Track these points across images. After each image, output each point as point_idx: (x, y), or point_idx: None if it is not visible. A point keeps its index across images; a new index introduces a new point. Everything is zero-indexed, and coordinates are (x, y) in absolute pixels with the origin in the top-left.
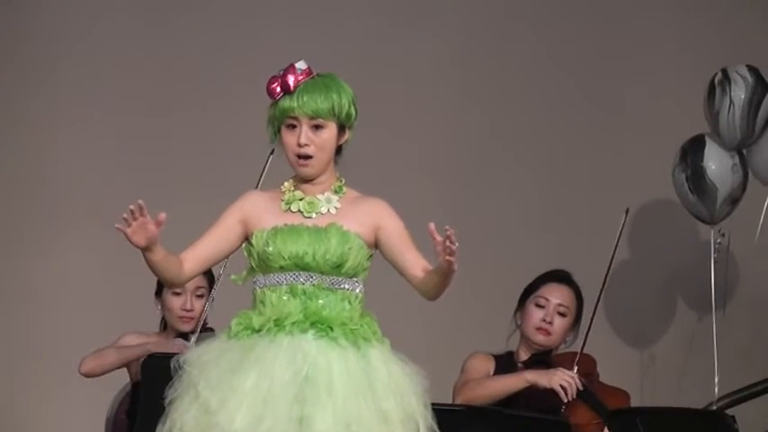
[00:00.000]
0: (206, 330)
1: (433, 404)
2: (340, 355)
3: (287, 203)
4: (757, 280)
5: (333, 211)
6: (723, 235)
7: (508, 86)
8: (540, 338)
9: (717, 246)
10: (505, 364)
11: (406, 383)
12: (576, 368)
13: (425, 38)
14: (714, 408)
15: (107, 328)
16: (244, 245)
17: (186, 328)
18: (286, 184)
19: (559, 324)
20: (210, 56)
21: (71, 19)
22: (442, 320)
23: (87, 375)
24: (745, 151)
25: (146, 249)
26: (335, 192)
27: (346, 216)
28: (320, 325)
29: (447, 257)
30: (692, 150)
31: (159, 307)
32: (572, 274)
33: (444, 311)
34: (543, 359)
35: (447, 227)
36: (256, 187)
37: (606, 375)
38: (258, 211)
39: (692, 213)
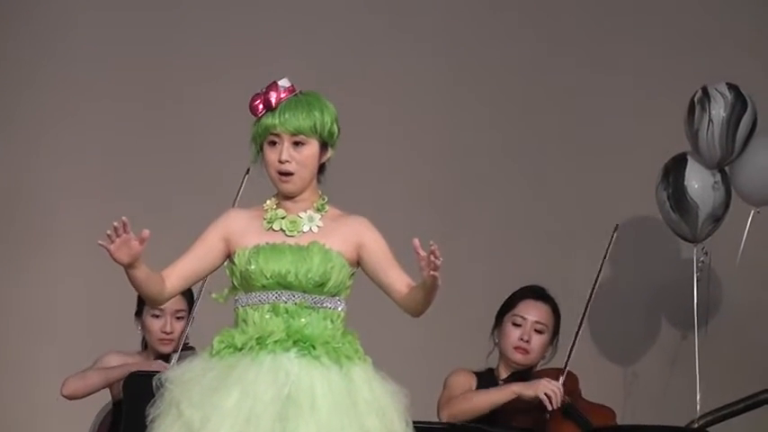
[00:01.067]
0: (187, 349)
1: (416, 422)
2: (322, 374)
3: (269, 222)
4: (740, 298)
5: (315, 229)
6: (706, 253)
7: (495, 105)
8: (518, 357)
9: (699, 264)
10: (487, 381)
11: (388, 401)
12: (561, 380)
13: (412, 56)
14: (696, 425)
15: (89, 348)
16: (226, 263)
17: (166, 350)
18: (268, 202)
19: (537, 342)
20: (199, 67)
21: (53, 20)
22: (426, 337)
23: (69, 397)
24: (727, 169)
25: (129, 266)
26: (318, 210)
27: (328, 234)
28: (303, 343)
29: (431, 273)
30: (674, 169)
31: (140, 327)
32: (547, 289)
33: (428, 328)
34: (523, 377)
35: (431, 242)
36: (233, 206)
37: (590, 392)
38: (240, 229)
39: (675, 232)
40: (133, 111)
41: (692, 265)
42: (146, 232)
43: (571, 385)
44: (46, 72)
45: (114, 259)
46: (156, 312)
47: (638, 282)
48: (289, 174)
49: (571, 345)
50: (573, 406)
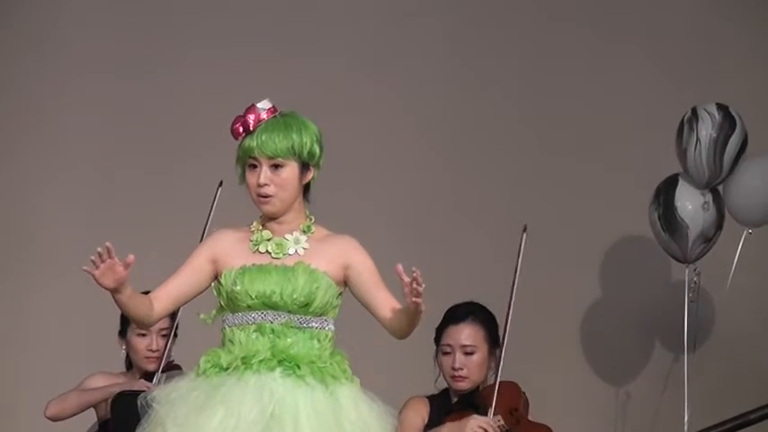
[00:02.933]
0: (173, 368)
1: None
2: (306, 393)
3: (255, 244)
4: (732, 319)
5: (301, 251)
6: (699, 274)
7: (483, 124)
8: (458, 385)
9: (692, 285)
10: (441, 404)
11: (374, 422)
12: (492, 414)
13: (395, 76)
14: None
15: (73, 369)
16: (213, 284)
17: (152, 367)
18: (254, 223)
19: (472, 364)
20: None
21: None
22: (415, 357)
23: (52, 419)
24: (720, 189)
25: (114, 291)
26: (304, 231)
27: (314, 255)
28: (288, 363)
29: (414, 299)
30: (665, 189)
31: (123, 347)
32: (470, 302)
33: (417, 348)
34: (470, 399)
35: (414, 268)
36: (207, 219)
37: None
38: (227, 250)
39: (667, 252)
40: (119, 126)
41: (683, 287)
42: (130, 257)
43: (512, 401)
44: (28, 82)
45: (100, 284)
46: (142, 331)
47: (632, 302)
48: (267, 196)
49: (499, 359)
50: None
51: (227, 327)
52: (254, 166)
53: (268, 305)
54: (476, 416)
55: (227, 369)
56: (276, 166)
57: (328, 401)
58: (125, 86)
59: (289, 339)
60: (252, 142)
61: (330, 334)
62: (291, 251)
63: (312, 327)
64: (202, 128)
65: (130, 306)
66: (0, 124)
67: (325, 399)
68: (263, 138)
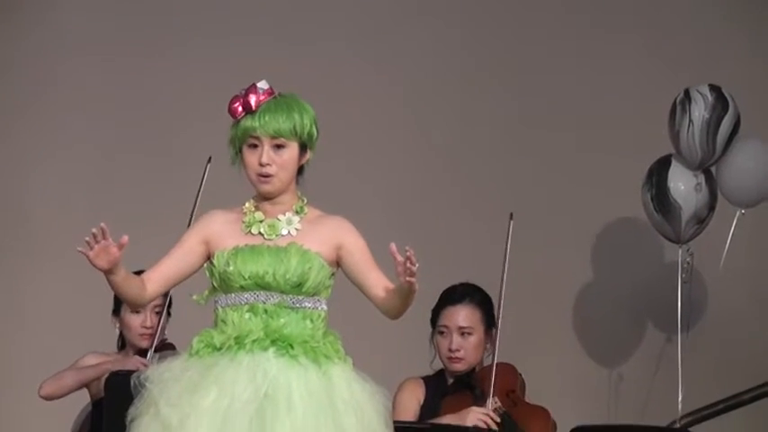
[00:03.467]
0: (166, 347)
1: (396, 422)
2: (299, 373)
3: (248, 225)
4: (725, 300)
5: (293, 232)
6: (692, 255)
7: (475, 109)
8: (454, 367)
9: (685, 266)
10: (436, 385)
11: (367, 401)
12: (492, 400)
13: (391, 64)
14: (677, 425)
15: (68, 349)
16: (206, 265)
17: (146, 344)
18: (247, 204)
19: (468, 345)
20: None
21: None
22: (407, 338)
23: (47, 398)
24: (713, 170)
25: (108, 272)
26: (297, 212)
27: (307, 236)
28: (281, 343)
29: (408, 278)
30: (658, 170)
31: (117, 325)
32: (468, 283)
33: (410, 329)
34: (466, 381)
35: (407, 247)
36: (196, 196)
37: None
38: (220, 231)
39: (660, 233)
40: (111, 115)
41: (677, 268)
42: (125, 238)
43: (509, 383)
44: (24, 69)
45: (94, 265)
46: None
47: (625, 284)
48: (268, 176)
49: (495, 340)
50: (508, 415)
51: (219, 307)
52: (255, 146)
53: (261, 286)
54: (475, 407)
55: (219, 349)
56: (278, 147)
57: (321, 381)
58: (119, 67)
59: (282, 319)
60: (254, 122)
61: (323, 314)
62: (284, 232)
63: (305, 307)
64: (193, 104)
65: (124, 287)
66: None
67: (318, 378)
68: (267, 118)
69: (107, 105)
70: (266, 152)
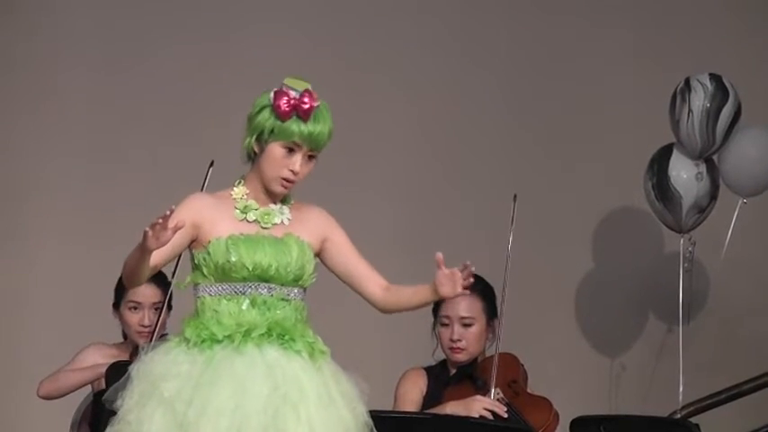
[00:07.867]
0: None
1: (391, 412)
2: (303, 367)
3: (242, 212)
4: (726, 289)
5: (286, 221)
6: (694, 244)
7: (477, 96)
8: (456, 357)
9: (687, 255)
10: (439, 375)
11: (354, 392)
12: (494, 391)
13: (391, 52)
14: (678, 415)
15: (68, 342)
16: (198, 252)
17: (144, 342)
18: (236, 189)
19: (470, 335)
20: (184, 63)
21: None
22: (411, 329)
23: (45, 398)
24: (715, 159)
25: (149, 251)
26: (284, 202)
27: (298, 226)
28: (283, 337)
29: (460, 291)
30: (660, 159)
31: (118, 319)
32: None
33: (413, 321)
34: (469, 371)
35: (468, 262)
36: None
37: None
38: (211, 216)
39: (661, 221)
40: (108, 102)
41: (678, 258)
42: (182, 221)
43: (512, 373)
44: (19, 59)
45: (145, 244)
46: (134, 305)
47: (626, 273)
48: (291, 182)
49: (498, 330)
50: (510, 405)
51: (207, 296)
52: (291, 150)
53: (262, 278)
54: (480, 397)
55: (221, 341)
56: (310, 157)
57: (317, 375)
58: (119, 67)
59: (278, 311)
60: (303, 129)
61: (305, 305)
62: (277, 221)
63: (296, 298)
64: (195, 105)
65: (144, 266)
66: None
67: (314, 373)
68: (317, 131)
69: (107, 105)
70: (299, 161)
